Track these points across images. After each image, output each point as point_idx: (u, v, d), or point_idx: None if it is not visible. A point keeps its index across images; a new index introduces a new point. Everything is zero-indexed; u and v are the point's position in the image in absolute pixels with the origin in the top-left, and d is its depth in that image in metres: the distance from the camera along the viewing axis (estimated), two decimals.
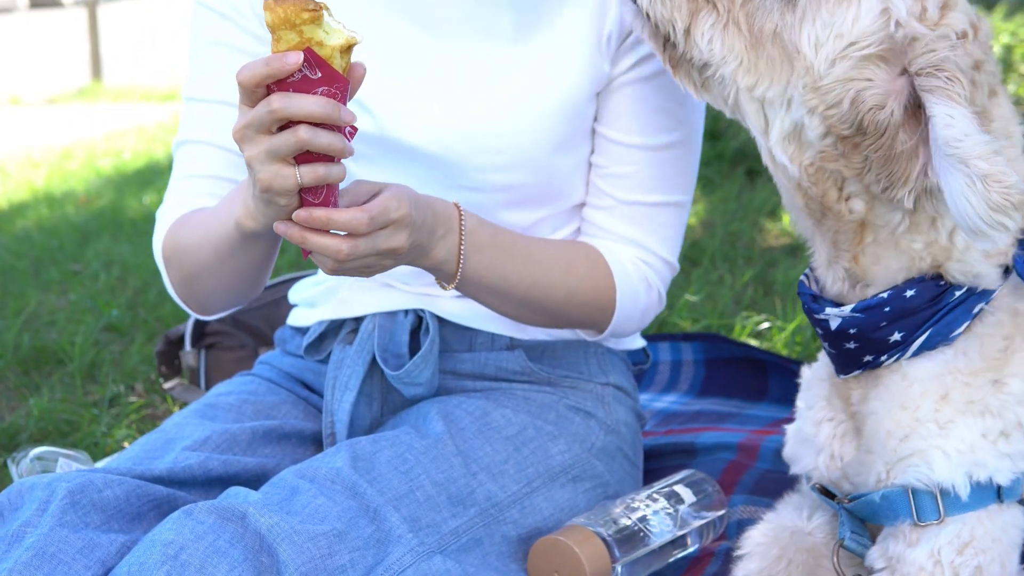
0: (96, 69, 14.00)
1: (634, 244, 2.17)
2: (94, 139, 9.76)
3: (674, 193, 2.17)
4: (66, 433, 3.28)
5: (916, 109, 1.69)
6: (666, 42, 1.84)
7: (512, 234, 2.05)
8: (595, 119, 2.15)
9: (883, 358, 1.82)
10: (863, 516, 1.89)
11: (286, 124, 1.67)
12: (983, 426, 1.77)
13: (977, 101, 1.68)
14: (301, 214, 1.73)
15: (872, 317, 1.80)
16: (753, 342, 3.54)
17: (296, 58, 1.63)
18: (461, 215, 1.96)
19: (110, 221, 6.12)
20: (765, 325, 3.72)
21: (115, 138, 9.70)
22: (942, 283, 1.79)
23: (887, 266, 1.81)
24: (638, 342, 2.40)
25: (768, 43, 1.73)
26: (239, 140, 1.71)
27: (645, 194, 2.15)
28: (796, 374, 3.03)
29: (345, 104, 1.69)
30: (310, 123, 1.66)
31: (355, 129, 1.74)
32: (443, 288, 2.01)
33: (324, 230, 1.75)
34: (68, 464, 2.59)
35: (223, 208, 1.95)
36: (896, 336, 1.80)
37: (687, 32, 1.77)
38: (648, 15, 1.81)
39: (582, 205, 2.21)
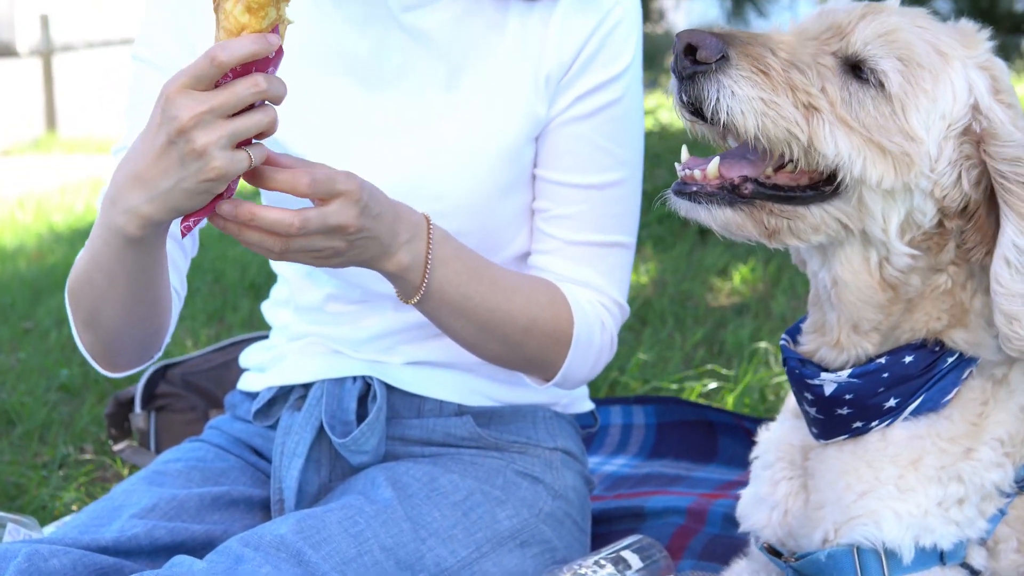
0: (51, 120, 13.95)
1: (586, 285, 2.17)
2: (48, 192, 9.72)
3: (619, 233, 2.19)
4: (14, 496, 3.25)
5: None
6: (779, 166, 1.78)
7: (476, 255, 2.04)
8: (535, 164, 2.17)
9: (874, 424, 1.83)
10: (808, 575, 1.91)
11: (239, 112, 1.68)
12: (944, 493, 1.79)
13: None
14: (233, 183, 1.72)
15: (870, 383, 1.82)
16: (703, 403, 3.56)
17: (277, 40, 1.66)
18: (430, 224, 1.95)
19: (62, 277, 6.08)
20: (714, 386, 3.75)
21: (69, 191, 9.66)
22: (937, 349, 1.82)
23: (898, 337, 1.83)
24: (586, 405, 2.42)
25: (877, 135, 1.72)
26: (191, 127, 1.66)
27: (591, 234, 2.16)
28: (746, 432, 3.08)
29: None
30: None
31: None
32: (404, 302, 1.98)
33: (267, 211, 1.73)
34: (16, 530, 2.56)
35: (98, 226, 1.89)
36: (891, 402, 1.82)
37: (809, 143, 1.71)
38: (759, 137, 1.71)
39: (525, 255, 2.22)
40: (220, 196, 1.74)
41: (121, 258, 1.87)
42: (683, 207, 1.79)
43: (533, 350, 2.10)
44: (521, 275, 2.12)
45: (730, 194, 1.77)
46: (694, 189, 1.78)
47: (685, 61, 1.71)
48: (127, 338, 2.06)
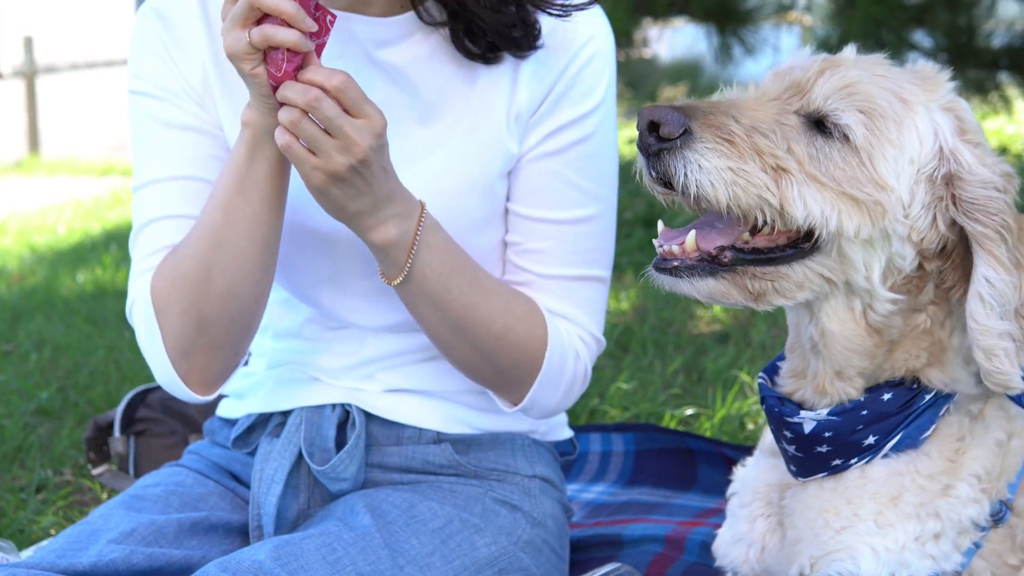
0: (33, 141, 13.92)
1: (562, 317, 2.18)
2: (29, 213, 9.70)
3: (593, 267, 2.19)
4: None
5: None
6: (753, 228, 1.78)
7: (464, 252, 2.06)
8: (507, 198, 2.18)
9: (853, 461, 1.84)
10: None
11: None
12: (921, 529, 1.80)
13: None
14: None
15: (849, 420, 1.83)
16: (682, 430, 3.57)
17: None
18: (423, 209, 1.97)
19: (43, 300, 6.07)
20: (690, 412, 3.76)
21: (50, 212, 9.64)
22: (914, 387, 1.83)
23: (877, 377, 1.84)
24: (565, 432, 2.42)
25: (848, 187, 1.73)
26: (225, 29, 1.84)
27: (563, 268, 2.17)
28: (726, 459, 3.09)
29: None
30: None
31: (333, 16, 1.85)
32: (386, 282, 2.00)
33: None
34: None
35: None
36: (870, 439, 1.83)
37: (781, 205, 1.72)
38: (731, 207, 1.72)
39: None
40: (281, 76, 1.83)
41: (239, 170, 1.93)
42: (666, 282, 1.80)
43: (504, 362, 2.11)
44: (504, 284, 2.14)
45: (710, 264, 1.78)
46: (675, 264, 1.79)
47: (650, 139, 1.73)
48: (233, 314, 2.02)
